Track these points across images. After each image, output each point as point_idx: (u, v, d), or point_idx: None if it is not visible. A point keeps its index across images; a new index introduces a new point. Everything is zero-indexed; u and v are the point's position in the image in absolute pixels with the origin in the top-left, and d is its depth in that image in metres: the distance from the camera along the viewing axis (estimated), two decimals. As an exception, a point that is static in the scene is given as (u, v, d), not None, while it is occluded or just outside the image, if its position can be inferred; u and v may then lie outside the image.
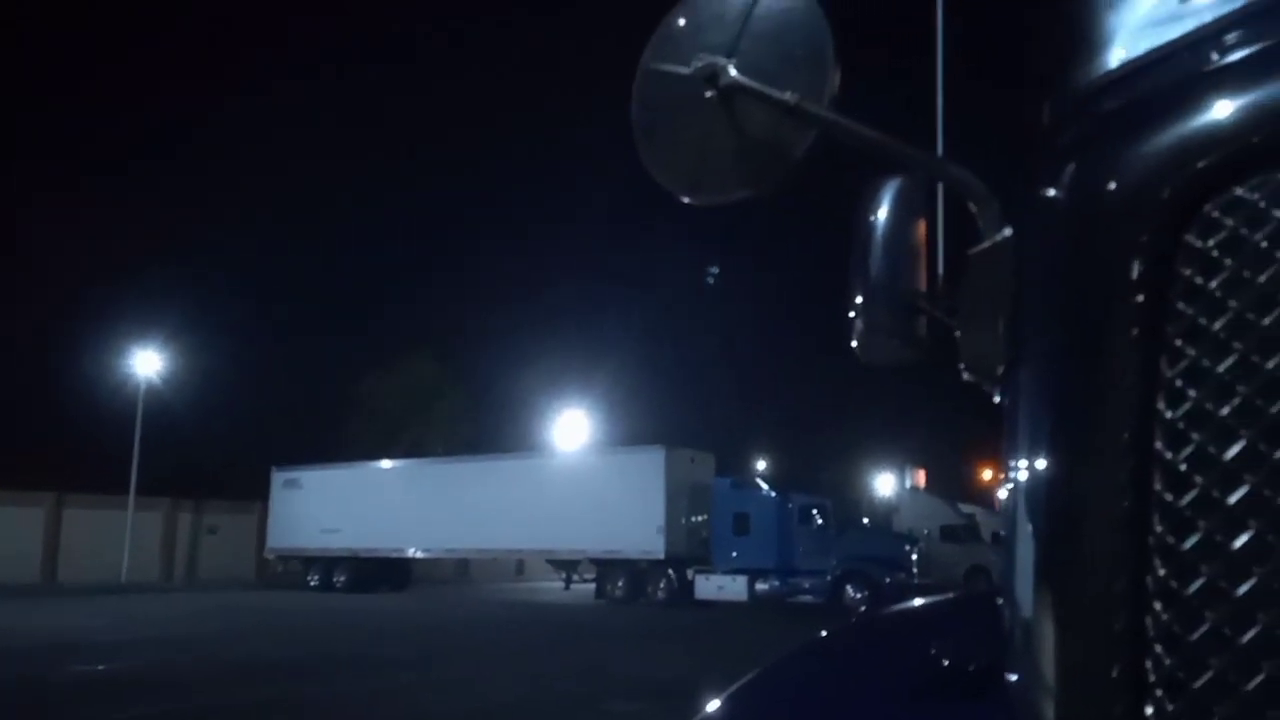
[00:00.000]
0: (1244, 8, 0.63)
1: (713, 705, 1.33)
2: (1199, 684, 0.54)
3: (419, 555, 33.88)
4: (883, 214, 1.02)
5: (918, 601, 1.84)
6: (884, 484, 52.42)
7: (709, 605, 26.33)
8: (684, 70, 1.02)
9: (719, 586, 26.95)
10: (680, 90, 1.03)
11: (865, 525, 29.30)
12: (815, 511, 27.11)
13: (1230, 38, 0.62)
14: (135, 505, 37.44)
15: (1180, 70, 0.64)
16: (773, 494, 27.48)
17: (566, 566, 32.05)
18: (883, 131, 0.93)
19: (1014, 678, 0.68)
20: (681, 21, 1.08)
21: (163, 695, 10.69)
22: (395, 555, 33.85)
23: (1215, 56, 0.63)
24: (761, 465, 49.71)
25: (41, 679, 11.69)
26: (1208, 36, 0.64)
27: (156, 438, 38.95)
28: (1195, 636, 0.54)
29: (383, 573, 34.11)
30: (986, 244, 0.81)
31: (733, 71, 0.99)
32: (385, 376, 47.16)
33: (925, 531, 30.09)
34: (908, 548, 26.44)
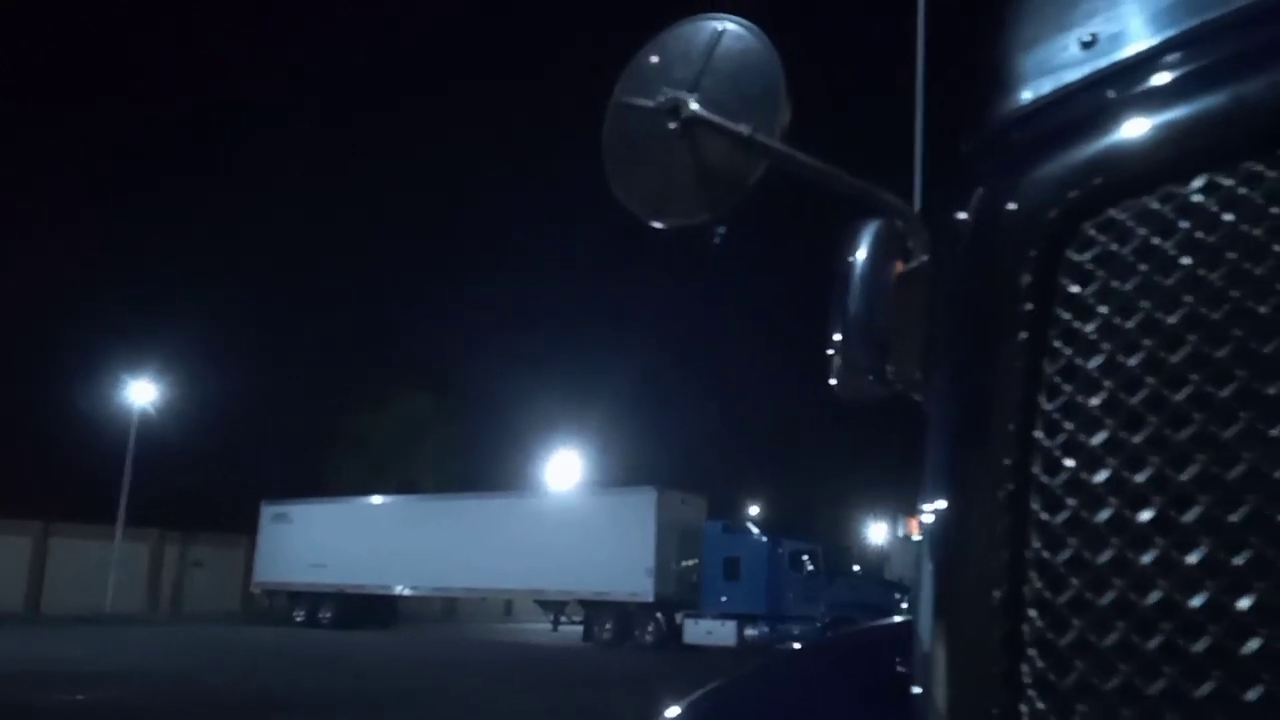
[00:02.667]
0: (1129, 59, 0.72)
1: (672, 711, 1.38)
2: (1066, 642, 0.61)
3: (406, 593, 33.61)
4: (861, 254, 1.10)
5: (886, 621, 1.89)
6: (876, 532, 52.24)
7: (697, 650, 26.14)
8: (649, 103, 1.11)
9: (708, 631, 26.79)
10: (646, 122, 1.12)
11: (856, 572, 29.19)
12: (806, 557, 27.02)
13: (1115, 84, 0.71)
14: (122, 536, 37.19)
15: (1074, 109, 0.73)
16: (764, 539, 27.42)
17: (555, 608, 31.83)
18: (827, 162, 1.02)
19: (917, 688, 0.73)
20: (651, 59, 1.17)
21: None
22: (382, 592, 33.58)
23: (1107, 97, 0.71)
24: (754, 510, 49.58)
25: (21, 708, 11.57)
26: (1099, 80, 0.73)
27: (146, 468, 38.82)
28: (1062, 600, 0.61)
29: (369, 610, 33.80)
30: (913, 264, 0.90)
31: (694, 105, 1.08)
32: (377, 412, 47.13)
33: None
34: (898, 596, 26.32)
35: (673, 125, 1.08)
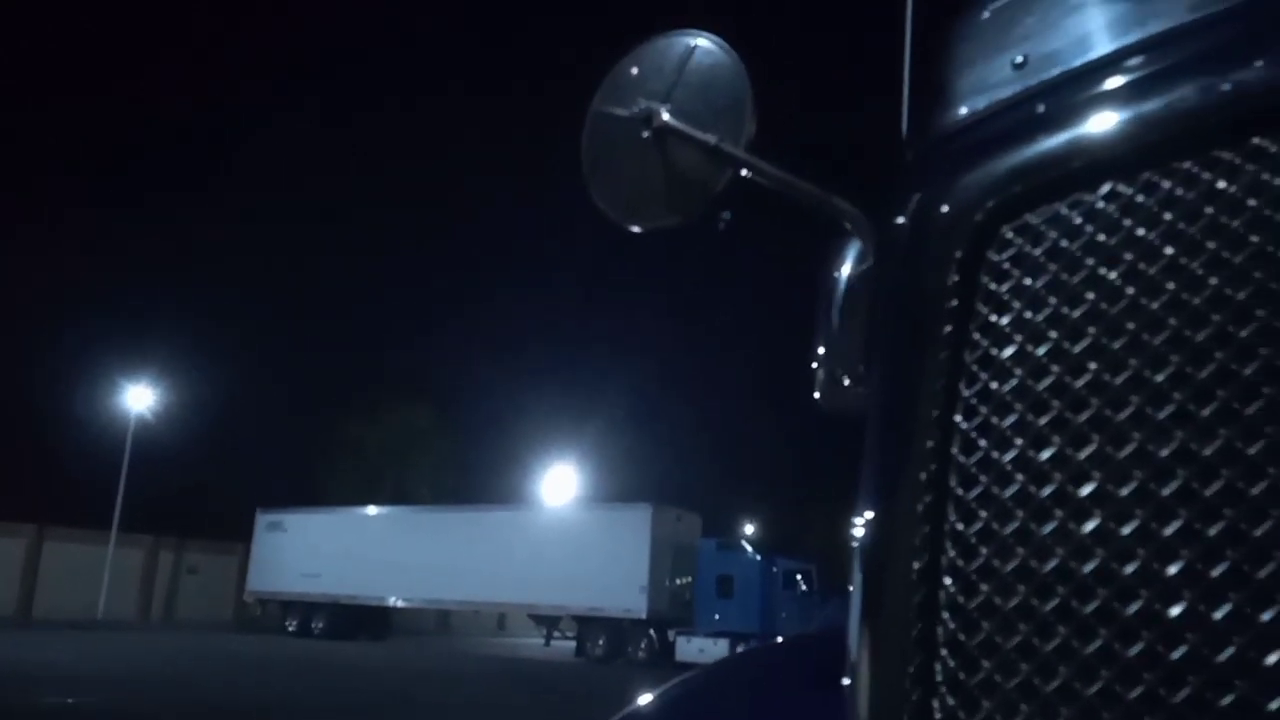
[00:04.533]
0: (1051, 79, 0.78)
1: (645, 697, 1.42)
2: (974, 606, 0.66)
3: (400, 604, 33.53)
4: (845, 269, 1.17)
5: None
6: (871, 553, 51.85)
7: (690, 668, 25.90)
8: (625, 112, 1.18)
9: (700, 649, 26.67)
10: (622, 130, 1.18)
11: (850, 592, 29.05)
12: (800, 577, 26.98)
13: (1037, 101, 0.77)
14: (117, 541, 37.11)
15: (1001, 123, 0.79)
16: (758, 557, 27.37)
17: (548, 622, 31.76)
18: (788, 172, 1.08)
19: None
20: (629, 70, 1.24)
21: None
22: (376, 603, 33.49)
23: (1030, 113, 0.77)
24: (749, 529, 49.49)
25: (10, 710, 11.56)
26: (1025, 98, 0.79)
27: (142, 474, 38.82)
28: (972, 568, 0.67)
29: (362, 621, 33.72)
30: (862, 266, 0.96)
31: (665, 115, 1.15)
32: (374, 423, 47.13)
33: (910, 602, 29.84)
34: (891, 617, 26.24)
35: (646, 134, 1.15)
